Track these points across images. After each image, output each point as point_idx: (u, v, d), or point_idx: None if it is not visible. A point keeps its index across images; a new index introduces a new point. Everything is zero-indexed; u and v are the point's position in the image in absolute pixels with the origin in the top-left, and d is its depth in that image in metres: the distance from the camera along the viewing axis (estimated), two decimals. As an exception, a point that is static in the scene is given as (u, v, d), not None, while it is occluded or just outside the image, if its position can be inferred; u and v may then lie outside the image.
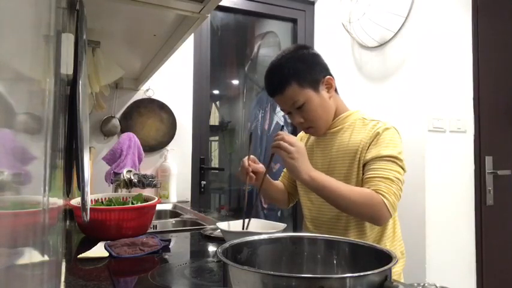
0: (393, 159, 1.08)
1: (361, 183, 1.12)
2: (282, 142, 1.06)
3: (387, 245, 1.16)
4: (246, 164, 1.20)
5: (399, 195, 1.06)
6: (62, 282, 0.86)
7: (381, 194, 1.03)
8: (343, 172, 1.15)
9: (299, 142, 1.07)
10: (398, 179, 1.07)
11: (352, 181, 1.13)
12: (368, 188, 1.06)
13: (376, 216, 1.05)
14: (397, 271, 1.15)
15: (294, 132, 2.70)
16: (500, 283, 2.12)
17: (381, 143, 1.10)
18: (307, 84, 1.14)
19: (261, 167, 1.23)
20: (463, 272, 2.04)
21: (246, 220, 1.10)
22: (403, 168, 1.10)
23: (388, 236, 1.17)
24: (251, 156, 1.23)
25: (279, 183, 1.42)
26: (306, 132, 1.28)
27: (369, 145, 1.11)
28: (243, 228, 1.08)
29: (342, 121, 1.21)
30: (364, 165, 1.12)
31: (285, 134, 1.09)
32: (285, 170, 1.43)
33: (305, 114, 1.16)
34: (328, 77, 1.18)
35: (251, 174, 1.20)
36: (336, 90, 1.23)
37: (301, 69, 1.14)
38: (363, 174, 1.11)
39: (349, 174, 1.13)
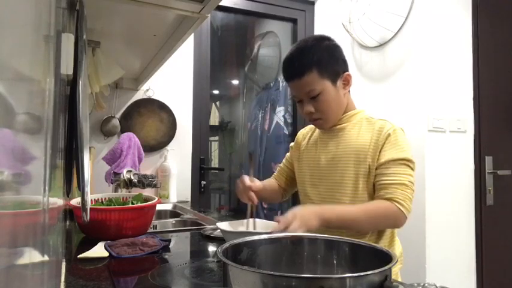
0: (407, 162, 1.09)
1: (371, 185, 1.12)
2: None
3: (386, 245, 1.16)
4: (248, 184, 1.19)
5: (413, 197, 1.09)
6: (62, 282, 0.86)
7: (397, 201, 1.05)
8: (348, 169, 1.14)
9: (288, 216, 1.00)
10: (411, 182, 1.09)
11: (359, 182, 1.12)
12: (383, 195, 1.07)
13: (394, 225, 1.11)
14: (394, 271, 1.15)
15: (294, 132, 2.70)
16: (500, 283, 2.12)
17: (394, 146, 1.10)
18: (327, 74, 1.13)
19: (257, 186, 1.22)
20: (463, 272, 2.04)
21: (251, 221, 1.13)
22: (414, 170, 1.12)
23: (386, 236, 1.17)
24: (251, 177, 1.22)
25: (270, 183, 1.41)
26: (312, 123, 1.27)
27: (381, 148, 1.11)
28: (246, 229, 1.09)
29: (348, 119, 1.21)
30: (376, 168, 1.11)
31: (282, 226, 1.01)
32: (281, 165, 1.43)
33: (318, 105, 1.15)
34: (347, 73, 1.18)
35: (252, 195, 1.18)
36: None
37: (325, 58, 1.13)
38: (376, 176, 1.11)
39: (357, 175, 1.13)
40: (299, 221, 0.99)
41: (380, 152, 1.11)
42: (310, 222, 1.01)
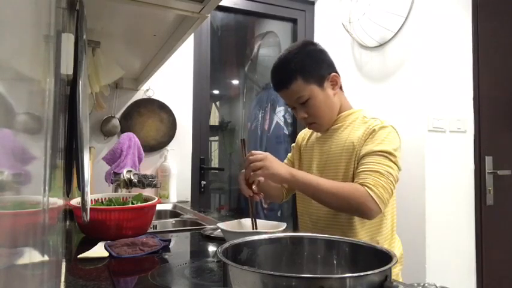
0: (386, 154, 1.07)
1: None
2: (251, 165, 1.06)
3: (385, 246, 1.16)
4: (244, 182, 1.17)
5: (390, 189, 1.04)
6: (62, 282, 0.86)
7: (367, 186, 1.03)
8: (340, 169, 1.15)
9: (261, 153, 1.08)
10: (389, 173, 1.05)
11: (350, 180, 1.12)
12: (356, 182, 1.06)
13: (361, 209, 1.03)
14: (395, 272, 1.15)
15: (294, 132, 2.70)
16: (500, 283, 2.12)
17: (375, 140, 1.10)
18: (312, 80, 1.15)
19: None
20: (463, 272, 2.04)
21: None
22: (396, 165, 1.08)
23: (386, 236, 1.17)
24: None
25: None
26: (309, 128, 1.28)
27: (364, 142, 1.12)
28: (253, 228, 1.08)
29: (344, 119, 1.21)
30: (358, 162, 1.12)
31: (249, 154, 1.08)
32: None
33: (309, 110, 1.17)
34: (333, 74, 1.19)
35: (254, 188, 1.16)
36: (341, 88, 1.24)
37: (308, 64, 1.15)
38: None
39: (347, 172, 1.14)
40: (267, 161, 1.05)
41: (362, 146, 1.12)
42: (277, 169, 1.05)
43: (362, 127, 1.16)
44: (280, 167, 1.07)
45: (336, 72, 1.20)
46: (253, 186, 1.12)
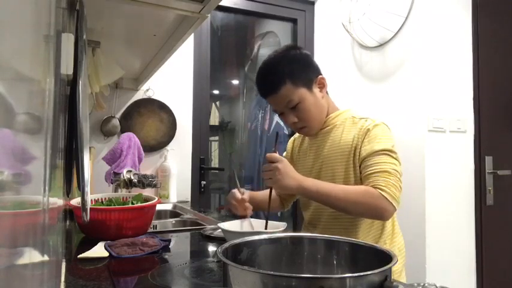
0: (388, 152, 1.09)
1: (359, 182, 1.12)
2: (263, 172, 1.07)
3: (387, 242, 1.16)
4: (240, 197, 1.19)
5: (399, 186, 1.06)
6: (62, 282, 0.86)
7: (379, 188, 1.03)
8: (337, 171, 1.15)
9: (276, 158, 1.06)
10: (395, 170, 1.06)
11: (351, 181, 1.13)
12: (367, 185, 1.06)
13: (378, 211, 1.04)
14: (398, 268, 1.16)
15: (294, 132, 2.69)
16: (500, 283, 2.12)
17: (373, 139, 1.11)
18: (301, 83, 1.15)
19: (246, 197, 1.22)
20: (463, 272, 2.04)
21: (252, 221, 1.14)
22: (398, 161, 1.10)
23: (388, 233, 1.17)
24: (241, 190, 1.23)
25: (264, 192, 1.42)
26: (299, 133, 1.29)
27: (362, 143, 1.12)
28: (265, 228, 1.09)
29: (332, 120, 1.22)
30: (360, 164, 1.12)
31: (267, 156, 1.07)
32: None
33: (299, 114, 1.17)
34: (320, 76, 1.19)
35: (247, 205, 1.19)
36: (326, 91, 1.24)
37: (295, 68, 1.15)
38: (361, 172, 1.12)
39: (347, 173, 1.14)
40: (277, 173, 1.03)
41: (361, 147, 1.12)
42: (286, 182, 1.04)
43: (354, 127, 1.16)
44: (290, 179, 1.04)
45: (322, 75, 1.21)
46: (246, 204, 1.18)
